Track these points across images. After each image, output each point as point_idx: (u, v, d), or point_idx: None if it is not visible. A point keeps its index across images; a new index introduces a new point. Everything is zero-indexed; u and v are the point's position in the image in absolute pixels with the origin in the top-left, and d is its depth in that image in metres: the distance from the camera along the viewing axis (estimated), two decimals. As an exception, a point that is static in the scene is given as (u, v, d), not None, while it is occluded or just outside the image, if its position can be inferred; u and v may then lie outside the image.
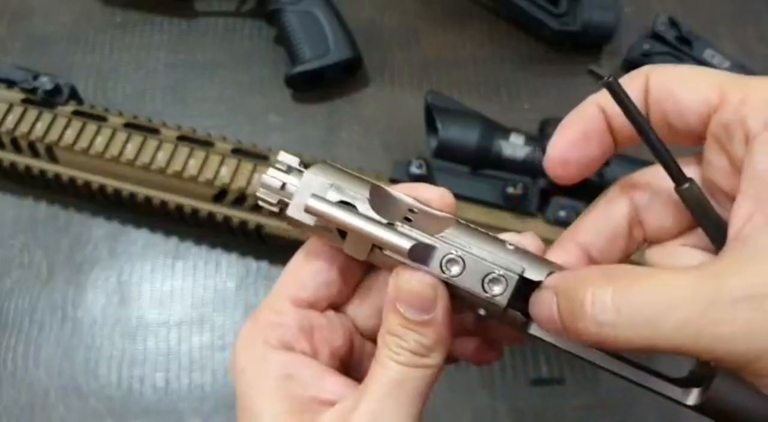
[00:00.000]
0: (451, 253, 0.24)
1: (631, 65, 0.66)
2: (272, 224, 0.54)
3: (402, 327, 0.25)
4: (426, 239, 0.24)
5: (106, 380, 0.53)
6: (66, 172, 0.56)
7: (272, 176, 0.26)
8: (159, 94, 0.65)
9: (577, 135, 0.27)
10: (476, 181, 0.52)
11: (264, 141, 0.57)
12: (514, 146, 0.53)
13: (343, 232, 0.25)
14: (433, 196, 0.26)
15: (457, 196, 0.51)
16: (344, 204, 0.25)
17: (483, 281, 0.24)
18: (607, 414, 0.53)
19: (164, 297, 0.56)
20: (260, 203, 0.27)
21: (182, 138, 0.55)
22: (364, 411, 0.24)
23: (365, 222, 0.24)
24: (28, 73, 0.57)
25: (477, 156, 0.53)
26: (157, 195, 0.55)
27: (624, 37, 0.68)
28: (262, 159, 0.54)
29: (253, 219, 0.54)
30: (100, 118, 0.56)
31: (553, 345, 0.25)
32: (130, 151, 0.54)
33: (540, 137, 0.53)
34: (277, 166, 0.26)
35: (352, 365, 0.28)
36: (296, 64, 0.63)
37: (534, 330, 0.25)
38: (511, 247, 0.25)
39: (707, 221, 0.24)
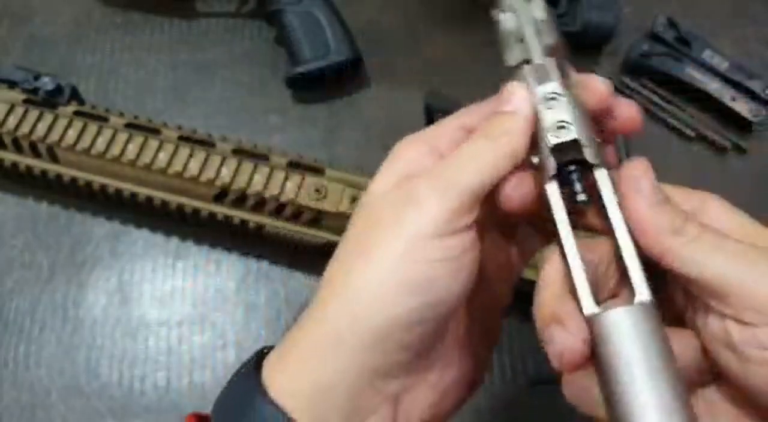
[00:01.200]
0: (557, 91, 0.30)
1: (630, 66, 0.66)
2: (273, 224, 0.54)
3: (492, 117, 0.31)
4: (551, 68, 0.30)
5: (107, 379, 0.53)
6: (67, 172, 0.56)
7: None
8: (160, 95, 0.66)
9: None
10: (476, 181, 0.53)
11: (264, 141, 0.58)
12: (514, 146, 0.53)
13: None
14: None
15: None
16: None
17: (557, 124, 0.29)
18: (607, 414, 0.53)
19: (165, 297, 0.57)
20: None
21: (183, 138, 0.55)
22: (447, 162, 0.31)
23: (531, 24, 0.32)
24: (29, 73, 0.58)
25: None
26: (158, 195, 0.55)
27: (623, 37, 0.68)
28: (263, 159, 0.55)
29: (253, 219, 0.54)
30: (102, 119, 0.56)
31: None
32: (132, 151, 0.55)
33: (539, 137, 0.54)
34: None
35: None
36: (296, 64, 0.63)
37: (550, 190, 0.29)
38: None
39: None
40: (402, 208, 0.29)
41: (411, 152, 0.32)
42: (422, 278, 0.28)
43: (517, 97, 0.31)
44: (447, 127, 0.33)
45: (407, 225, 0.29)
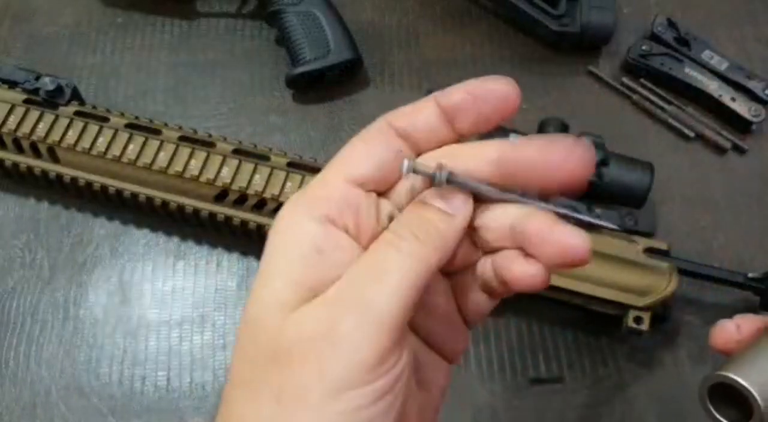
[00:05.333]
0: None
1: (630, 66, 0.67)
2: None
3: (423, 214, 0.26)
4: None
5: (108, 379, 0.53)
6: (68, 172, 0.56)
7: None
8: (160, 95, 0.66)
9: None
10: (476, 181, 0.53)
11: (265, 141, 0.58)
12: (514, 146, 0.53)
13: None
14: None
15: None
16: None
17: None
18: (606, 413, 0.53)
19: (165, 297, 0.57)
20: None
21: (183, 138, 0.56)
22: (348, 294, 0.25)
23: None
24: (30, 73, 0.58)
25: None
26: (159, 195, 0.55)
27: (623, 37, 0.68)
28: (263, 159, 0.55)
29: (253, 219, 0.54)
30: (102, 119, 0.56)
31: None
32: (132, 151, 0.55)
33: (539, 137, 0.54)
34: None
35: None
36: (297, 65, 0.63)
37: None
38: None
39: None
40: (321, 346, 0.24)
41: (301, 233, 0.26)
42: None
43: (458, 199, 0.27)
44: (334, 183, 0.27)
45: (330, 372, 0.24)
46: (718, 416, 0.30)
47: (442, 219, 0.26)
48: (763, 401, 0.28)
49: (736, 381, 0.29)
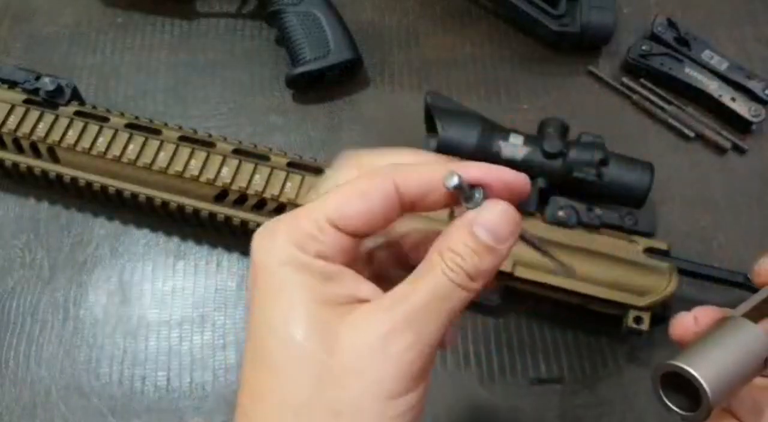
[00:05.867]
0: None
1: (630, 66, 0.67)
2: (273, 224, 0.54)
3: (467, 247, 0.28)
4: None
5: (108, 379, 0.53)
6: (68, 172, 0.56)
7: None
8: (160, 95, 0.66)
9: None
10: (476, 181, 0.53)
11: (265, 141, 0.58)
12: (514, 146, 0.53)
13: None
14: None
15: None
16: None
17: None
18: (606, 413, 0.53)
19: (165, 297, 0.57)
20: None
21: (183, 138, 0.56)
22: (405, 310, 0.28)
23: None
24: (29, 73, 0.58)
25: (476, 156, 0.53)
26: (159, 195, 0.55)
27: (623, 37, 0.68)
28: (263, 159, 0.55)
29: (254, 219, 0.54)
30: (102, 119, 0.56)
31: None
32: (132, 151, 0.55)
33: (539, 137, 0.54)
34: None
35: None
36: (297, 65, 0.63)
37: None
38: None
39: None
40: (378, 362, 0.28)
41: (305, 263, 0.29)
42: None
43: (504, 229, 0.29)
44: (324, 227, 0.29)
45: (387, 382, 0.27)
46: (668, 403, 0.31)
47: (490, 254, 0.28)
48: (711, 390, 0.29)
49: (686, 371, 0.30)
